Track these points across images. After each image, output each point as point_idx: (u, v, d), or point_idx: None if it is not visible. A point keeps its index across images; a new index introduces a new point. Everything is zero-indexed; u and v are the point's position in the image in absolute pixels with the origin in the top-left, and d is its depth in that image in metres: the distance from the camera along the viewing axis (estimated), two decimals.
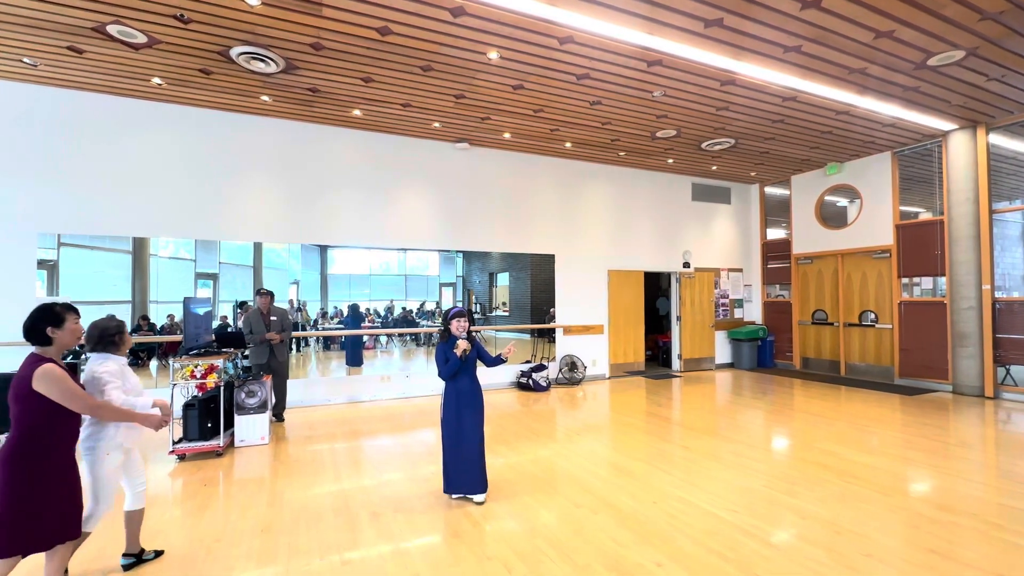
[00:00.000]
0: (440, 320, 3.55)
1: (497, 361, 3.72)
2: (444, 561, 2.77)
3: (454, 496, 3.63)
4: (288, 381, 6.16)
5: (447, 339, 3.60)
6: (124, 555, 2.70)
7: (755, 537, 3.00)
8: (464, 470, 3.54)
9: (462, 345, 3.49)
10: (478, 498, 3.56)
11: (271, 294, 5.87)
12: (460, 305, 3.71)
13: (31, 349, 2.30)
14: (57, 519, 2.22)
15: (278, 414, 6.00)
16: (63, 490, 2.23)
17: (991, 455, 4.61)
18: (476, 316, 8.43)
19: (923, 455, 4.54)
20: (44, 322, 2.23)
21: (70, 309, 2.34)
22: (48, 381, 2.15)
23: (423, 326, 7.90)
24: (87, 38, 4.66)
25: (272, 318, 5.80)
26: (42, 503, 2.17)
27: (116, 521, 2.94)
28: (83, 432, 2.43)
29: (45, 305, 2.29)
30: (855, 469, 4.17)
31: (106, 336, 2.58)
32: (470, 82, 5.66)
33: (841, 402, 6.88)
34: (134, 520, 2.72)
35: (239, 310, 6.65)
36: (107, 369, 2.52)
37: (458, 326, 3.57)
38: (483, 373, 8.28)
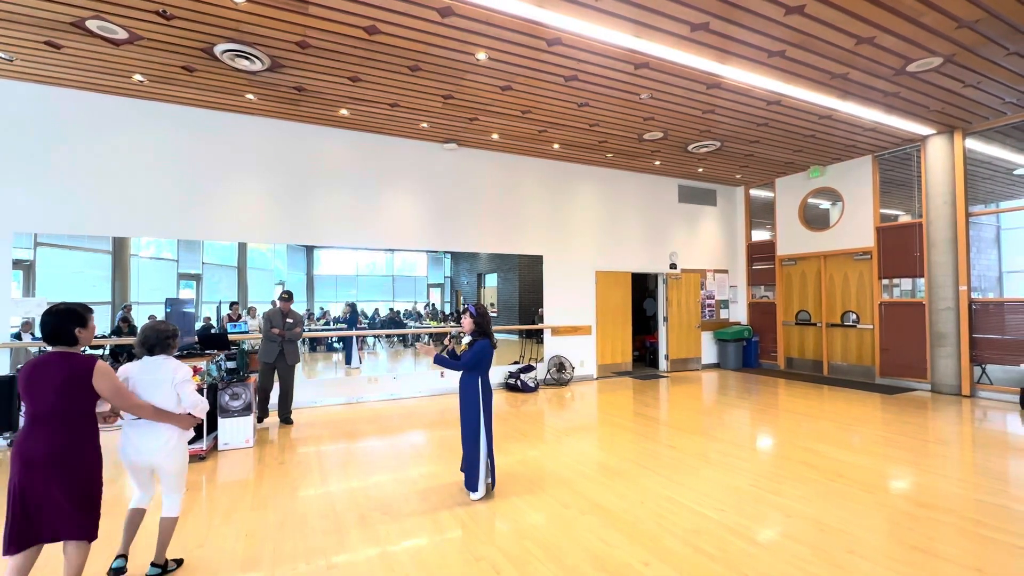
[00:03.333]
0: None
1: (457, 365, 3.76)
2: (432, 564, 2.75)
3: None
4: (276, 384, 6.06)
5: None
6: (152, 564, 2.65)
7: (741, 535, 3.03)
8: (464, 463, 3.73)
9: (446, 342, 3.76)
10: (471, 495, 3.64)
11: (289, 297, 5.95)
12: (468, 304, 3.88)
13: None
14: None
15: (284, 416, 5.93)
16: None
17: (969, 452, 4.72)
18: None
19: (904, 453, 4.64)
20: (72, 323, 2.31)
21: (89, 309, 2.43)
22: (106, 377, 2.32)
23: (410, 327, 7.86)
24: (66, 33, 4.55)
25: (288, 320, 5.85)
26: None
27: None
28: (167, 431, 2.59)
29: (68, 307, 2.34)
30: (838, 467, 4.24)
31: (168, 339, 2.70)
32: (458, 83, 5.65)
33: (824, 401, 6.99)
34: (167, 526, 2.69)
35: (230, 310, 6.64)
36: (187, 371, 2.67)
37: (463, 323, 3.79)
38: None
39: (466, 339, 3.72)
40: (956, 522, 3.20)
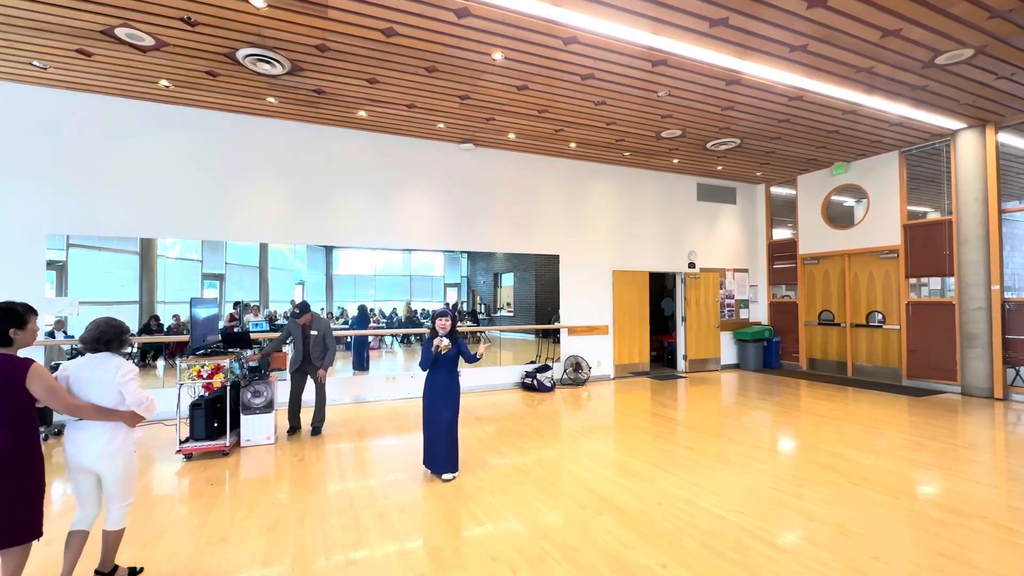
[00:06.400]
0: (429, 319, 4.37)
1: (475, 358, 4.15)
2: (449, 561, 2.77)
3: (430, 472, 4.12)
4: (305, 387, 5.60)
5: (433, 335, 4.07)
6: (96, 572, 2.52)
7: (761, 539, 2.99)
8: (434, 452, 4.04)
9: (436, 342, 3.96)
10: (446, 476, 4.00)
11: (303, 310, 5.41)
12: (446, 306, 4.23)
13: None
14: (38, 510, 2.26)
15: (314, 426, 5.44)
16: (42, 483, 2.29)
17: (1001, 457, 4.56)
18: (480, 316, 8.45)
19: (931, 457, 4.50)
20: (6, 324, 2.22)
21: (31, 310, 2.34)
22: (39, 379, 2.21)
23: (427, 327, 7.92)
24: (96, 41, 4.71)
25: (313, 332, 5.40)
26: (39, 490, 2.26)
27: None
28: (107, 433, 2.40)
29: (6, 306, 2.25)
30: (862, 471, 4.14)
31: (124, 335, 2.56)
32: (474, 83, 5.67)
33: (848, 403, 6.83)
34: (111, 539, 2.52)
35: (234, 309, 6.68)
36: (131, 368, 2.49)
37: (439, 325, 4.04)
38: (486, 373, 8.27)
39: (445, 341, 3.99)
40: (987, 529, 3.10)
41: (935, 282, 8.11)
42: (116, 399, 2.42)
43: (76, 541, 2.42)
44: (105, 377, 2.42)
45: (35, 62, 5.14)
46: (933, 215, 8.06)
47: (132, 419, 2.46)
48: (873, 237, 8.61)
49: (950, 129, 7.21)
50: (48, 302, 5.70)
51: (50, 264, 5.75)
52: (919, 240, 7.99)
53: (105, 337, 2.48)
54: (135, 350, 6.28)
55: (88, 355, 2.47)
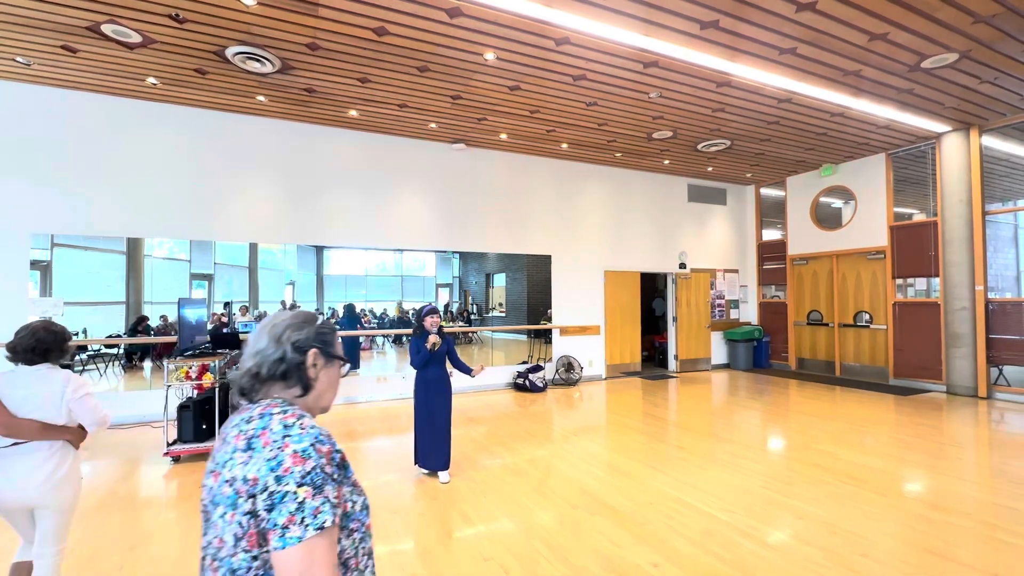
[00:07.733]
0: (415, 318, 4.29)
1: (465, 370, 4.20)
2: (441, 562, 2.76)
3: (424, 471, 4.15)
4: None
5: (421, 334, 4.07)
6: None
7: (751, 537, 3.01)
8: (433, 450, 4.02)
9: (432, 339, 3.97)
10: (443, 476, 4.00)
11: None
12: (432, 304, 4.25)
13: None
14: None
15: None
16: None
17: (985, 455, 4.64)
18: (473, 317, 8.44)
19: (918, 455, 4.57)
20: None
21: None
22: None
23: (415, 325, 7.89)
24: (81, 37, 4.63)
25: None
26: None
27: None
28: (54, 458, 2.02)
29: None
30: (851, 469, 4.19)
31: (65, 343, 2.15)
32: (466, 83, 5.66)
33: (836, 402, 6.91)
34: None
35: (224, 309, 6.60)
36: (83, 382, 2.13)
37: (430, 322, 4.04)
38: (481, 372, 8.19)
39: (437, 338, 4.02)
40: (972, 526, 3.15)
41: (921, 283, 8.23)
42: (61, 421, 2.05)
43: (23, 572, 2.05)
44: (47, 394, 2.02)
45: (18, 58, 5.05)
46: (919, 217, 8.18)
47: (80, 436, 2.11)
48: (860, 238, 8.72)
49: (935, 132, 7.33)
50: (32, 303, 5.60)
51: (34, 264, 5.65)
52: (905, 241, 8.10)
53: (43, 346, 2.05)
54: (121, 350, 6.18)
55: (20, 368, 2.04)
